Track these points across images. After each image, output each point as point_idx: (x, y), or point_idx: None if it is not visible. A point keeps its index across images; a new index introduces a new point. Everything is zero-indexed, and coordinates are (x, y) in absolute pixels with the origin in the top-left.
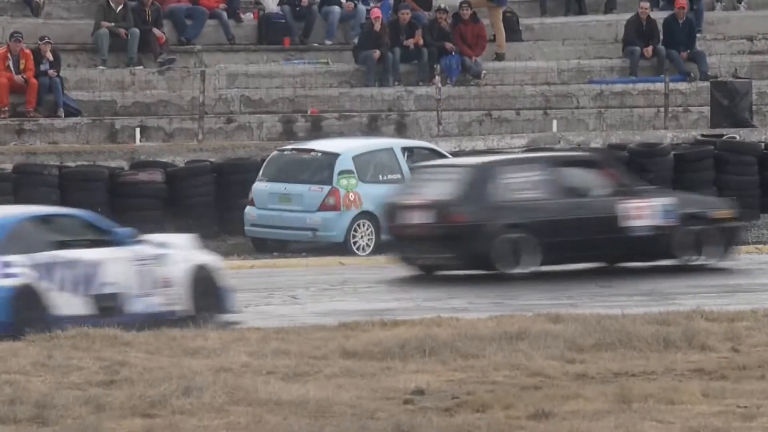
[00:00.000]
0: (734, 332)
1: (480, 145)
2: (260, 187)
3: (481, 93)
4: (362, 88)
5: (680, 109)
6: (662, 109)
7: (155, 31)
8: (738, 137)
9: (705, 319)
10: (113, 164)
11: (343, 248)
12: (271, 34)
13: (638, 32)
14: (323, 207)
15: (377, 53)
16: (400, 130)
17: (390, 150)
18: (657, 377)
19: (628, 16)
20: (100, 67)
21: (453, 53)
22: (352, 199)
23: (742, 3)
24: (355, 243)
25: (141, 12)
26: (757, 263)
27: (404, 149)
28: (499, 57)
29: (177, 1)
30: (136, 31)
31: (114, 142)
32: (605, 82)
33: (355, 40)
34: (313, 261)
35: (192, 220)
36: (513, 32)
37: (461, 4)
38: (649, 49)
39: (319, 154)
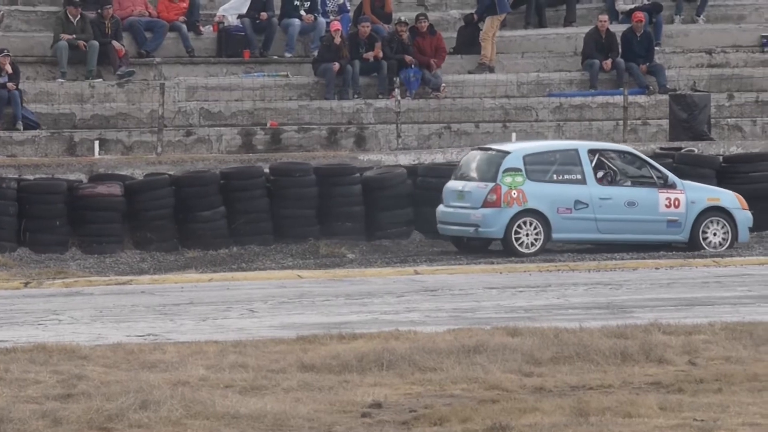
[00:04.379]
0: (691, 345)
1: (439, 157)
2: (448, 185)
3: (441, 106)
4: (321, 101)
5: (639, 122)
6: (621, 122)
7: (114, 43)
8: (696, 150)
9: (662, 332)
10: (72, 177)
11: (506, 245)
12: (230, 46)
13: (597, 45)
14: (485, 203)
15: (337, 66)
16: (359, 143)
17: (573, 151)
18: (614, 390)
19: (587, 29)
20: (59, 80)
21: (412, 66)
22: (514, 196)
23: (701, 16)
24: (519, 240)
25: (100, 24)
26: (715, 276)
27: (593, 151)
28: (488, 69)
29: (132, 14)
30: (96, 43)
31: (73, 154)
32: (564, 95)
33: (315, 53)
34: (272, 274)
35: (151, 234)
36: (473, 45)
37: (418, 16)
38: (608, 62)
39: (493, 152)
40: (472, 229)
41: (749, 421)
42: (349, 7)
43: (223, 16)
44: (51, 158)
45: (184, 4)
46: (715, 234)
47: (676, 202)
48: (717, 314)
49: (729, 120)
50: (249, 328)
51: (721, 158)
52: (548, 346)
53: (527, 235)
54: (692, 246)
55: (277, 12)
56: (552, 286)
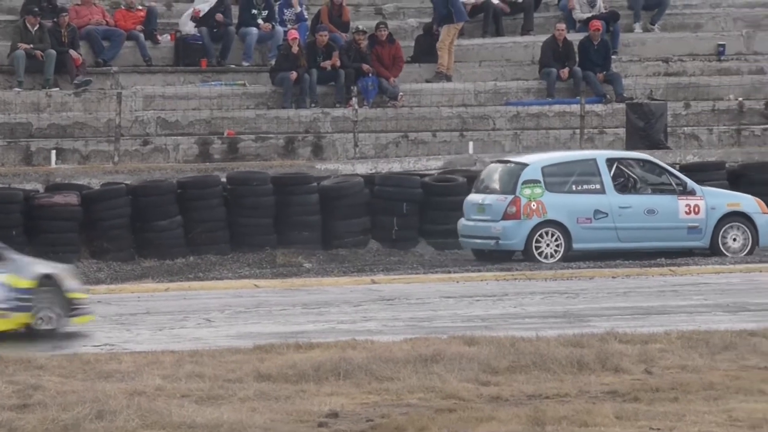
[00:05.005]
0: (648, 354)
1: (396, 166)
2: (469, 198)
3: (398, 114)
4: (279, 110)
5: (596, 130)
6: (578, 131)
7: (72, 52)
8: (653, 159)
9: (619, 341)
10: (28, 187)
11: (527, 256)
12: (187, 55)
13: (555, 54)
14: (505, 216)
15: (294, 75)
16: (317, 152)
17: (592, 161)
18: (571, 399)
19: (544, 38)
20: (16, 89)
21: (370, 75)
22: (534, 208)
23: (656, 25)
24: (539, 251)
25: (57, 33)
26: (671, 285)
27: (612, 160)
28: (445, 78)
29: (90, 23)
30: (53, 52)
31: (29, 164)
32: (522, 104)
33: (272, 62)
34: (229, 283)
35: (107, 243)
36: (430, 54)
37: (378, 25)
38: (566, 70)
39: (512, 165)
40: (493, 241)
41: (705, 429)
42: (306, 16)
43: (198, 11)
44: (7, 168)
45: (142, 14)
46: (735, 239)
47: (696, 209)
48: (673, 323)
49: (686, 128)
50: (206, 338)
51: (677, 167)
52: (505, 355)
53: (548, 245)
54: (713, 252)
55: (235, 21)
56: (509, 295)
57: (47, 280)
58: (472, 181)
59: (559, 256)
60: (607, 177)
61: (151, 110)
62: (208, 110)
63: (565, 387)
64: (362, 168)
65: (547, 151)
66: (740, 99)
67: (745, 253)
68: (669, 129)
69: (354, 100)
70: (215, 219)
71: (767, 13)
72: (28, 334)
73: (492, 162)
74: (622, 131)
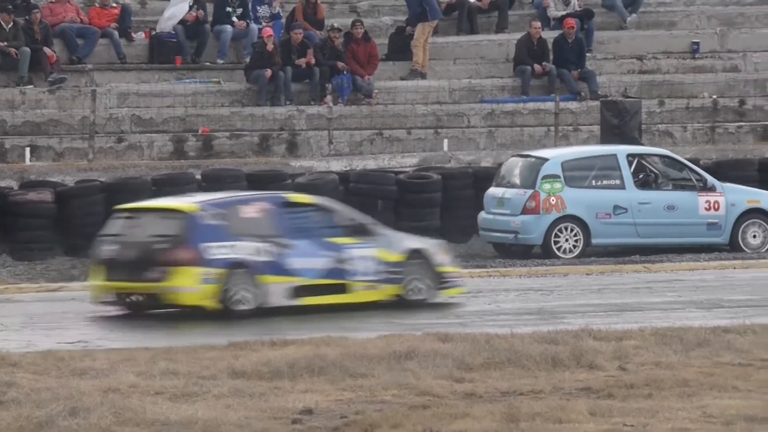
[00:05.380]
0: (622, 351)
1: (371, 164)
2: (489, 192)
3: (373, 112)
4: (253, 107)
5: (570, 127)
6: (552, 128)
7: (46, 50)
8: None
9: (593, 338)
10: (2, 184)
11: (546, 251)
12: (162, 53)
13: (529, 52)
14: (524, 210)
15: (269, 72)
16: (291, 150)
17: (612, 156)
18: (545, 396)
19: (519, 35)
20: None
21: (345, 72)
22: (553, 202)
23: (626, 21)
24: (558, 246)
25: (29, 30)
26: (645, 282)
27: (632, 156)
28: (420, 75)
29: (64, 20)
30: (27, 50)
31: (3, 161)
32: (496, 101)
33: (247, 60)
34: None
35: (82, 240)
36: (404, 51)
37: (354, 23)
38: (540, 68)
39: (533, 159)
40: (512, 235)
41: (679, 426)
42: (281, 14)
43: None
44: None
45: (116, 11)
46: (755, 236)
47: (716, 205)
48: (647, 320)
49: (660, 126)
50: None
51: None
52: (479, 351)
53: (566, 240)
54: (733, 248)
55: (210, 19)
56: (483, 292)
57: (416, 254)
58: (447, 178)
59: (578, 251)
60: (627, 172)
61: (125, 108)
62: (183, 108)
63: (539, 384)
64: (337, 165)
65: (522, 148)
66: (714, 97)
67: (765, 249)
68: (643, 126)
69: (329, 97)
70: None
71: (741, 11)
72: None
73: (513, 156)
74: (596, 128)
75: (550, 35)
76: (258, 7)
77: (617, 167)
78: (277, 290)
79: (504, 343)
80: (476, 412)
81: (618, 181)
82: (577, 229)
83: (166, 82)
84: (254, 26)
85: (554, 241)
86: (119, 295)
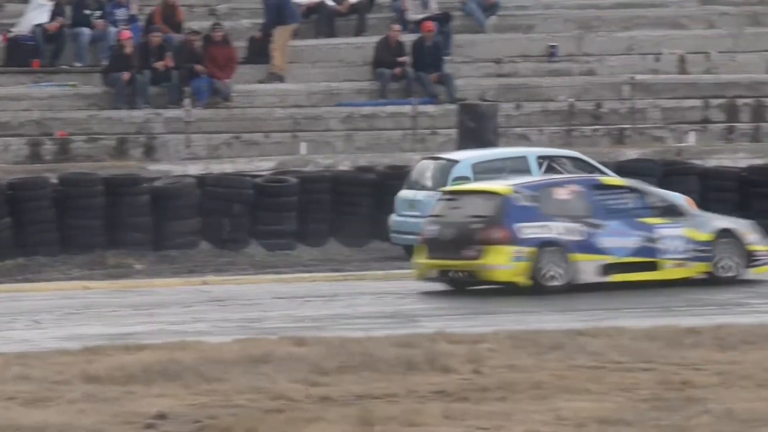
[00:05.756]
0: (476, 354)
1: (228, 167)
2: (400, 194)
3: (231, 115)
4: (111, 111)
5: (428, 131)
6: (410, 132)
7: None
8: None
9: (448, 341)
10: None
11: None
12: (19, 56)
13: (387, 55)
14: None
15: (126, 75)
16: (149, 153)
17: (522, 158)
18: (399, 399)
19: (378, 39)
20: None
21: (203, 76)
22: None
23: (484, 25)
24: None
25: None
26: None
27: (543, 158)
28: (278, 79)
29: None
30: None
31: None
32: (354, 105)
33: (105, 63)
34: (58, 285)
35: None
36: (263, 55)
37: (213, 26)
38: (398, 71)
39: (443, 162)
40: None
41: (532, 428)
42: (138, 17)
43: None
44: None
45: None
46: None
47: None
48: (502, 323)
49: (516, 129)
50: (34, 340)
51: None
52: (334, 355)
53: None
54: None
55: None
56: (340, 296)
57: (726, 234)
58: (305, 181)
59: None
60: (537, 174)
61: None
62: (39, 111)
63: (393, 387)
64: (194, 169)
65: (379, 152)
66: (571, 100)
67: None
68: (500, 129)
69: (187, 101)
70: (45, 220)
71: (598, 14)
72: None
73: (423, 158)
74: (454, 132)
75: (408, 38)
76: (115, 10)
77: (527, 169)
78: (587, 268)
79: (359, 346)
80: (330, 416)
81: None
82: None
83: (23, 85)
84: (112, 29)
85: None
86: (441, 272)
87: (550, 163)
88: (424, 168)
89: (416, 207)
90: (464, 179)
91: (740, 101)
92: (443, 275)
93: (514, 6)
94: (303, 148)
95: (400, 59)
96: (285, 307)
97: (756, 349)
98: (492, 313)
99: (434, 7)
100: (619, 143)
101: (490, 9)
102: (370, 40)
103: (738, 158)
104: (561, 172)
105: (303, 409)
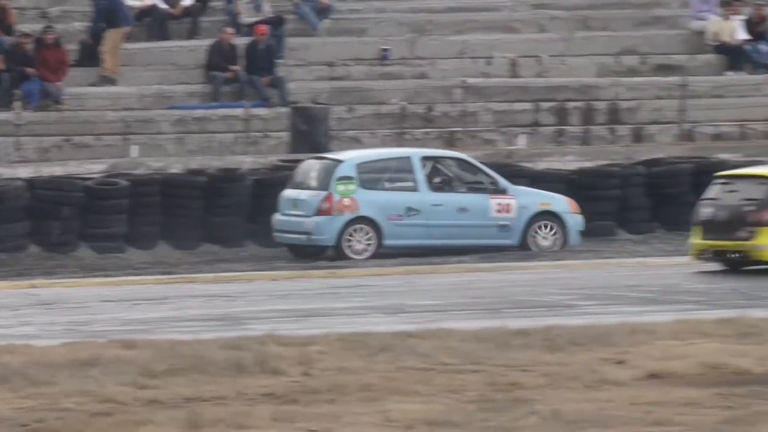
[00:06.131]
0: (306, 356)
1: (59, 170)
2: (284, 194)
3: (62, 118)
4: None
5: (260, 134)
6: (242, 135)
7: None
8: None
9: (277, 343)
10: None
11: (338, 252)
12: None
13: (220, 58)
14: (318, 211)
15: None
16: None
17: (406, 159)
18: (228, 402)
19: (211, 42)
20: None
21: (34, 78)
22: (347, 204)
23: (317, 28)
24: (350, 247)
25: None
26: (331, 287)
27: (427, 159)
28: (110, 81)
29: None
30: None
31: None
32: (186, 108)
33: None
34: None
35: None
36: (94, 58)
37: (45, 28)
38: (231, 74)
39: (328, 161)
40: (305, 237)
41: (361, 430)
42: None
43: None
44: None
45: None
46: (545, 238)
47: (507, 207)
48: (333, 325)
49: (349, 132)
50: None
51: None
52: (163, 358)
53: (359, 242)
54: (523, 249)
55: None
56: (169, 299)
57: None
58: (135, 184)
59: (370, 252)
60: (420, 175)
61: None
62: None
63: (222, 390)
64: (24, 172)
65: (211, 155)
66: (403, 103)
67: (555, 250)
68: (332, 133)
69: (17, 103)
70: None
71: (431, 18)
72: None
73: (309, 158)
74: (286, 135)
75: (241, 41)
76: None
77: (411, 170)
78: None
79: (188, 349)
80: (159, 419)
81: (412, 184)
82: (369, 230)
83: None
84: None
85: (347, 243)
86: (716, 252)
87: (434, 164)
88: (309, 168)
89: (300, 206)
90: (348, 179)
91: (570, 104)
92: (718, 255)
93: (347, 9)
94: (134, 150)
95: (233, 67)
96: (113, 310)
97: (584, 350)
98: (322, 315)
99: (267, 10)
100: (449, 146)
101: (323, 12)
102: (203, 43)
103: (567, 161)
104: (446, 173)
105: (131, 412)
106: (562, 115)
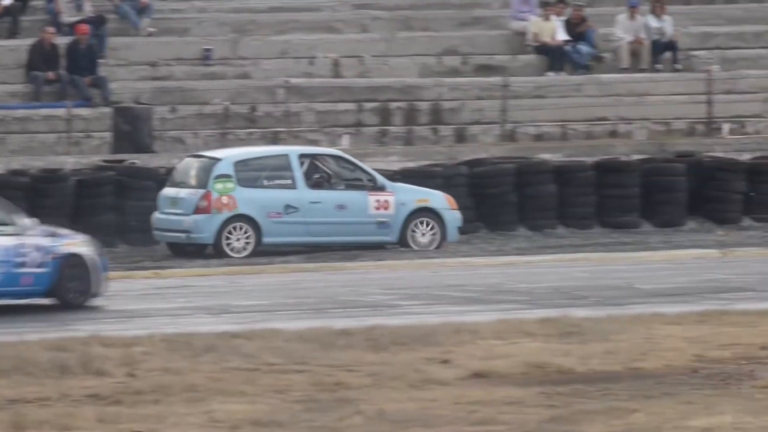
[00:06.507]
0: (130, 357)
1: None
2: (163, 192)
3: None
4: None
5: (82, 134)
6: (65, 135)
7: None
8: (139, 163)
9: (101, 344)
10: None
11: (218, 250)
12: None
13: (42, 57)
14: (197, 210)
15: None
16: None
17: (284, 156)
18: (52, 403)
19: (31, 41)
20: None
21: None
22: (225, 202)
23: (139, 28)
24: (229, 245)
25: None
26: (156, 288)
27: (305, 156)
28: None
29: None
30: None
31: None
32: (7, 108)
33: None
34: None
35: None
36: None
37: None
38: (53, 74)
39: (206, 160)
40: (184, 235)
41: (185, 431)
42: None
43: None
44: None
45: None
46: (423, 234)
47: (386, 204)
48: (157, 326)
49: (172, 132)
50: None
51: (163, 170)
52: None
53: (238, 240)
54: (403, 246)
55: None
56: None
57: None
58: None
59: (249, 250)
60: (298, 172)
61: None
62: None
63: (46, 391)
64: None
65: (32, 155)
66: (226, 103)
67: (434, 247)
68: (156, 133)
69: None
70: None
71: (253, 18)
72: None
73: (187, 156)
74: (109, 135)
75: (63, 41)
76: None
77: (289, 167)
78: None
79: (11, 350)
80: None
81: (290, 181)
82: (248, 228)
83: None
84: None
85: (226, 241)
86: None
87: (312, 161)
88: (188, 166)
89: (178, 204)
90: (226, 177)
91: (393, 105)
92: None
93: (168, 9)
94: None
95: (52, 73)
96: None
97: (406, 350)
98: (147, 316)
99: (88, 9)
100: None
101: (143, 11)
102: (24, 43)
103: (391, 161)
104: (324, 170)
105: None
106: (385, 116)
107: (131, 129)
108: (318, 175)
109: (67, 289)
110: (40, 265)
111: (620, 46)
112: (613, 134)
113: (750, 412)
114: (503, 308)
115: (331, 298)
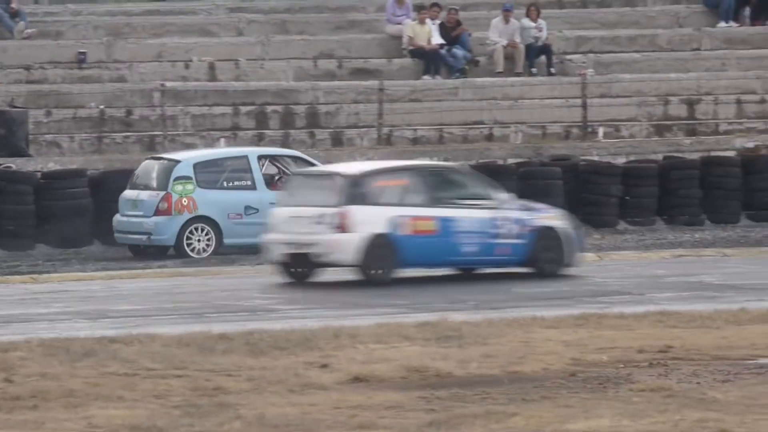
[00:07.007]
0: (8, 363)
1: None
2: (124, 194)
3: None
4: None
5: None
6: None
7: None
8: (14, 167)
9: None
10: None
11: (179, 251)
12: None
13: None
14: (157, 211)
15: None
16: None
17: (243, 158)
18: None
19: None
20: None
21: None
22: (185, 204)
23: (15, 31)
24: (190, 246)
25: None
26: (32, 293)
27: (263, 157)
28: None
29: None
30: None
31: None
32: None
33: None
34: None
35: None
36: None
37: None
38: None
39: (165, 162)
40: (145, 237)
41: None
42: None
43: None
44: None
45: None
46: (199, 240)
47: None
48: (34, 330)
49: (47, 136)
50: None
51: (39, 174)
52: None
53: (199, 241)
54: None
55: None
56: None
57: None
58: None
59: (210, 251)
60: (258, 174)
61: None
62: None
63: None
64: None
65: None
66: (101, 107)
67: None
68: (31, 137)
69: None
70: None
71: (128, 21)
72: None
73: (147, 159)
74: None
75: None
76: None
77: (248, 169)
78: None
79: None
80: None
81: (249, 182)
82: (209, 229)
83: None
84: None
85: (187, 242)
86: None
87: (271, 162)
88: (148, 168)
89: (139, 207)
90: (186, 179)
91: (269, 108)
92: None
93: (43, 12)
94: None
95: None
96: None
97: (286, 354)
98: (23, 321)
99: None
100: (149, 150)
101: (15, 16)
102: None
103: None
104: (284, 170)
105: None
106: (261, 119)
107: (6, 132)
108: (278, 176)
109: (542, 259)
110: (517, 237)
111: (495, 49)
112: (490, 138)
113: (628, 416)
114: (382, 312)
115: (210, 303)
